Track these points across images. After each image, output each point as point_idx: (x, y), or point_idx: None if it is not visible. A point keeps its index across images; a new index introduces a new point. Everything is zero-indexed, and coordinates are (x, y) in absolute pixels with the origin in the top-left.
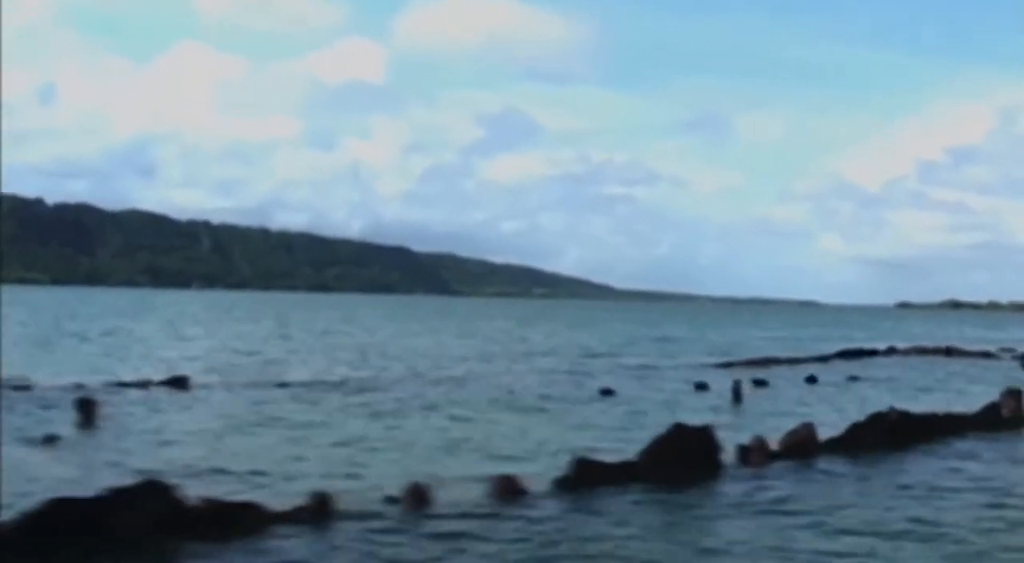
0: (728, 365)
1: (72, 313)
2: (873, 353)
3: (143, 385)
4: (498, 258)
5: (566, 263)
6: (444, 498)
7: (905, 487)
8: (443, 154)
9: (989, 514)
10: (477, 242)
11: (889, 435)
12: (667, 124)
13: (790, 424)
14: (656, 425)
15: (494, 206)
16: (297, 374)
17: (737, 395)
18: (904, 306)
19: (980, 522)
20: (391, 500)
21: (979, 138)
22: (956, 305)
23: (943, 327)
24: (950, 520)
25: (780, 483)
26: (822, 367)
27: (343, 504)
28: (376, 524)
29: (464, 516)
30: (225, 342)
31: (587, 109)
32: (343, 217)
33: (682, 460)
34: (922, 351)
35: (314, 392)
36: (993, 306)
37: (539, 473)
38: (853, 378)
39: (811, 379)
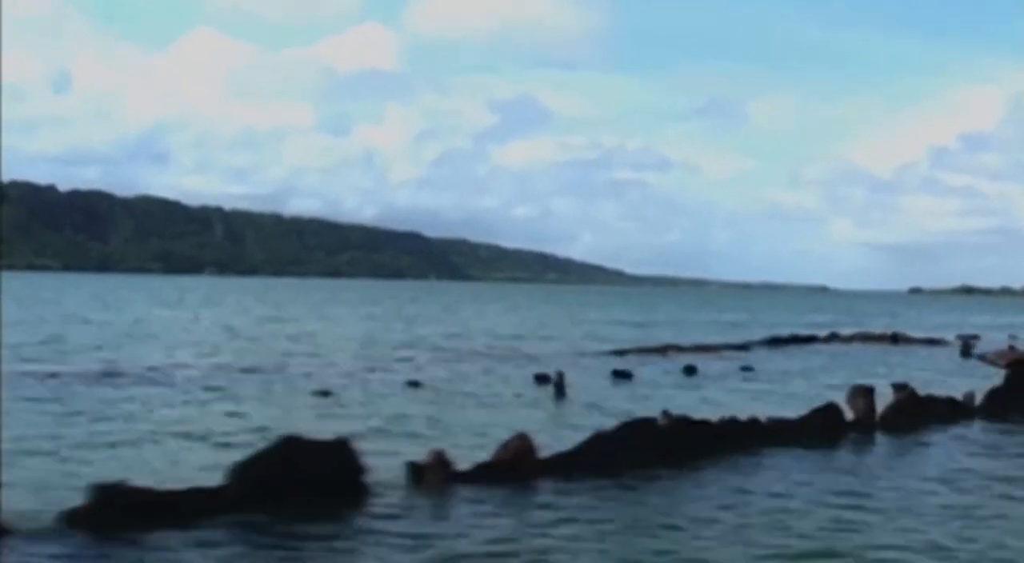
0: (621, 352)
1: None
2: (811, 340)
3: None
4: (510, 243)
5: (578, 248)
6: None
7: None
8: (455, 140)
9: None
10: (489, 227)
11: (658, 449)
12: (678, 109)
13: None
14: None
15: (506, 192)
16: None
17: (560, 390)
18: (916, 292)
19: None
20: None
21: (991, 124)
22: (968, 290)
23: (942, 313)
24: None
25: (412, 519)
26: (736, 355)
27: None
28: None
29: None
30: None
31: (598, 95)
32: (356, 203)
33: (304, 482)
34: (866, 337)
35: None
36: (1006, 291)
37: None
38: (746, 368)
39: (690, 370)
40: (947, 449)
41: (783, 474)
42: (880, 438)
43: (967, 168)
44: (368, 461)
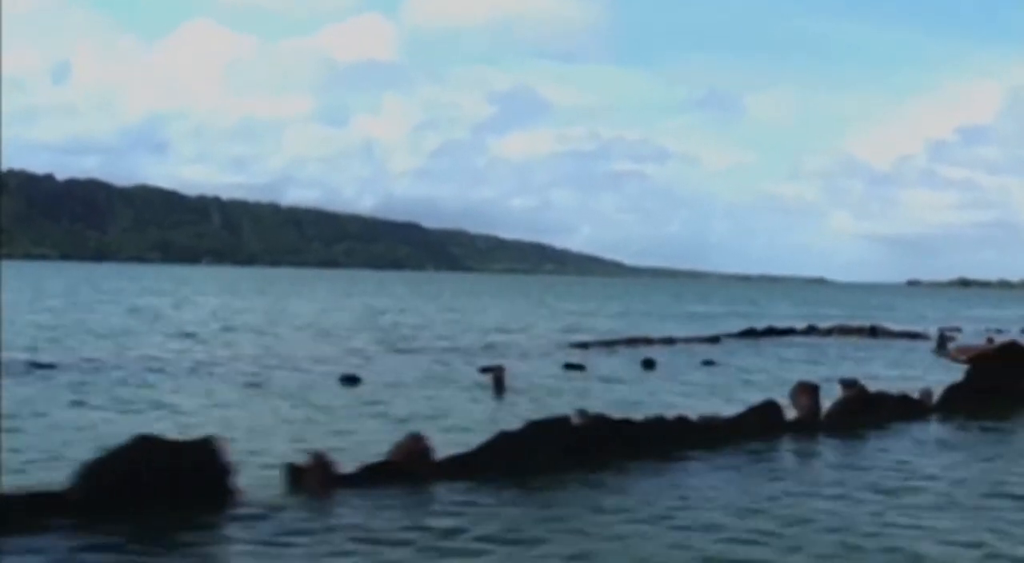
0: (586, 345)
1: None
2: (787, 332)
3: None
4: (508, 234)
5: (577, 240)
6: None
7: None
8: (454, 131)
9: None
10: (488, 218)
11: (571, 450)
12: (677, 101)
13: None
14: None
15: (505, 183)
16: None
17: (499, 384)
18: (914, 284)
19: None
20: None
21: (989, 117)
22: (966, 283)
23: (936, 306)
24: None
25: (273, 525)
26: (705, 348)
27: None
28: None
29: None
30: None
31: (597, 86)
32: (354, 193)
33: (160, 486)
34: (844, 330)
35: None
36: (1003, 284)
37: None
38: (708, 363)
39: (648, 363)
40: (891, 450)
41: (699, 479)
42: (821, 439)
43: (965, 161)
44: (244, 462)
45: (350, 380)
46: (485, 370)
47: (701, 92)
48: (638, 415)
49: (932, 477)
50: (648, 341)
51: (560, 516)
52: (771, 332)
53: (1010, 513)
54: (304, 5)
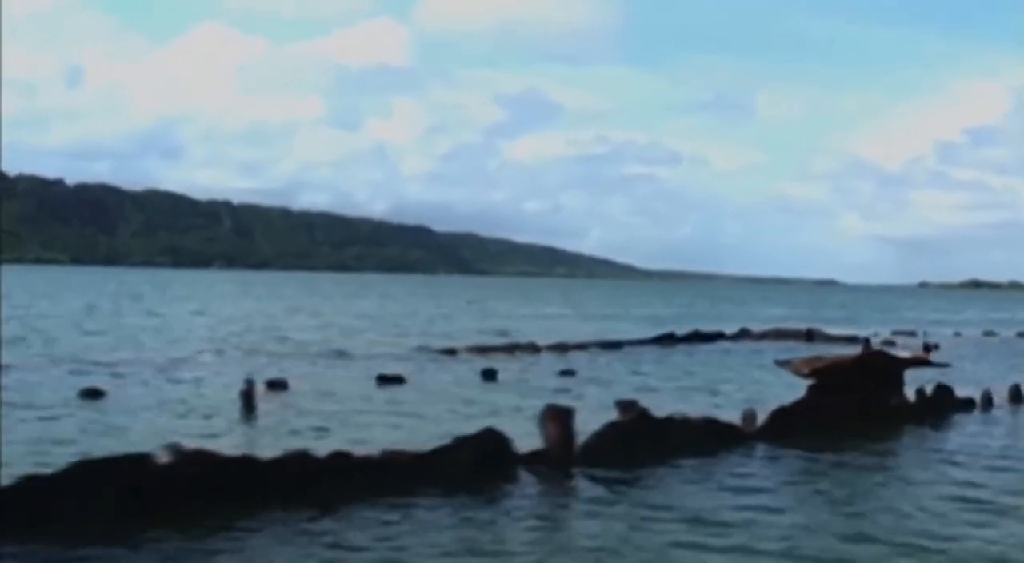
0: (451, 351)
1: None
2: (716, 337)
3: None
4: (520, 238)
5: (589, 243)
6: None
7: None
8: (465, 134)
9: None
10: (499, 221)
11: (148, 497)
12: (686, 103)
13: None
14: None
15: (516, 186)
16: None
17: (248, 401)
18: (924, 286)
19: None
20: None
21: (996, 118)
22: (977, 285)
23: (936, 309)
24: None
25: None
26: (603, 354)
27: None
28: None
29: None
30: None
31: (606, 89)
32: (365, 197)
33: None
34: (780, 334)
35: None
36: (1014, 286)
37: None
38: (567, 373)
39: (488, 374)
40: (673, 497)
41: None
42: (573, 479)
43: (973, 162)
44: None
45: (90, 395)
46: (272, 385)
47: (710, 93)
48: (321, 447)
49: (727, 531)
50: (536, 348)
51: None
52: (694, 337)
53: None
54: (315, 9)
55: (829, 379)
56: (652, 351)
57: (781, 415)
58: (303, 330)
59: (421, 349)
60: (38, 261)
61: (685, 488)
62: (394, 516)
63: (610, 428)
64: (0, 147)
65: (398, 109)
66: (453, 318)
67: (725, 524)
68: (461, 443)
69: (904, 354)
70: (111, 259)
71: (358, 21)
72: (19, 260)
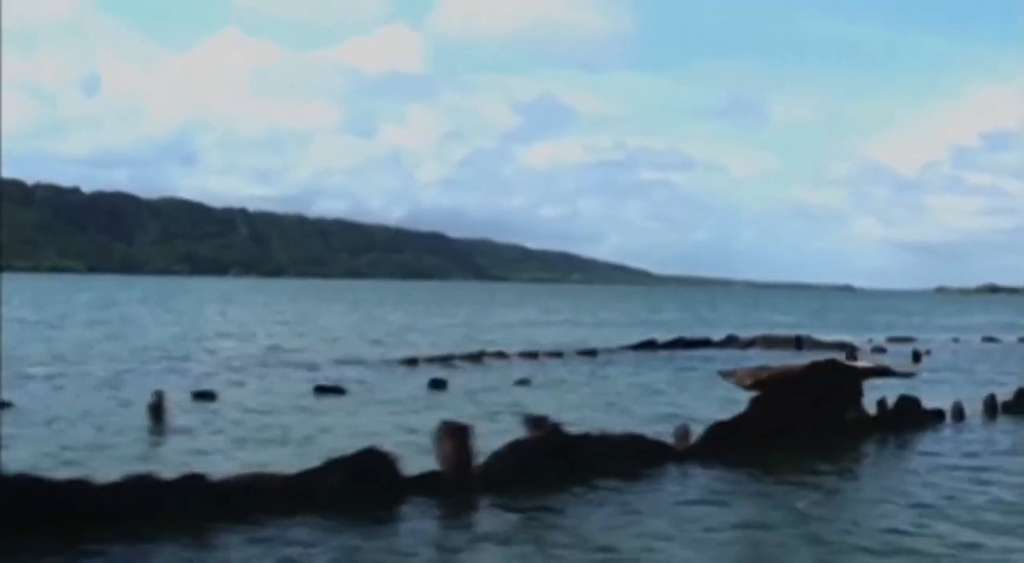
0: (411, 361)
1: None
2: (700, 344)
3: None
4: (535, 244)
5: (604, 249)
6: None
7: None
8: (480, 141)
9: None
10: (514, 228)
11: None
12: (701, 108)
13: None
14: None
15: (531, 192)
16: None
17: (156, 415)
18: (941, 291)
19: None
20: None
21: (1012, 123)
22: (994, 289)
23: (945, 314)
24: None
25: None
26: (575, 362)
27: None
28: None
29: None
30: None
31: (621, 94)
32: (382, 204)
33: None
34: (769, 341)
35: None
36: None
37: None
38: (523, 382)
39: (437, 383)
40: (578, 524)
41: None
42: (475, 505)
43: (990, 167)
44: None
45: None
46: (201, 395)
47: (725, 99)
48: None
49: None
50: (504, 355)
51: None
52: (677, 344)
53: None
54: (330, 16)
55: (775, 391)
56: (629, 358)
57: (719, 431)
58: (272, 336)
59: (383, 359)
60: (54, 269)
61: (600, 515)
62: (253, 549)
63: (513, 447)
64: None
65: (413, 116)
66: (439, 325)
67: (643, 556)
68: (335, 465)
69: (863, 363)
70: (128, 267)
71: (373, 28)
72: (35, 268)
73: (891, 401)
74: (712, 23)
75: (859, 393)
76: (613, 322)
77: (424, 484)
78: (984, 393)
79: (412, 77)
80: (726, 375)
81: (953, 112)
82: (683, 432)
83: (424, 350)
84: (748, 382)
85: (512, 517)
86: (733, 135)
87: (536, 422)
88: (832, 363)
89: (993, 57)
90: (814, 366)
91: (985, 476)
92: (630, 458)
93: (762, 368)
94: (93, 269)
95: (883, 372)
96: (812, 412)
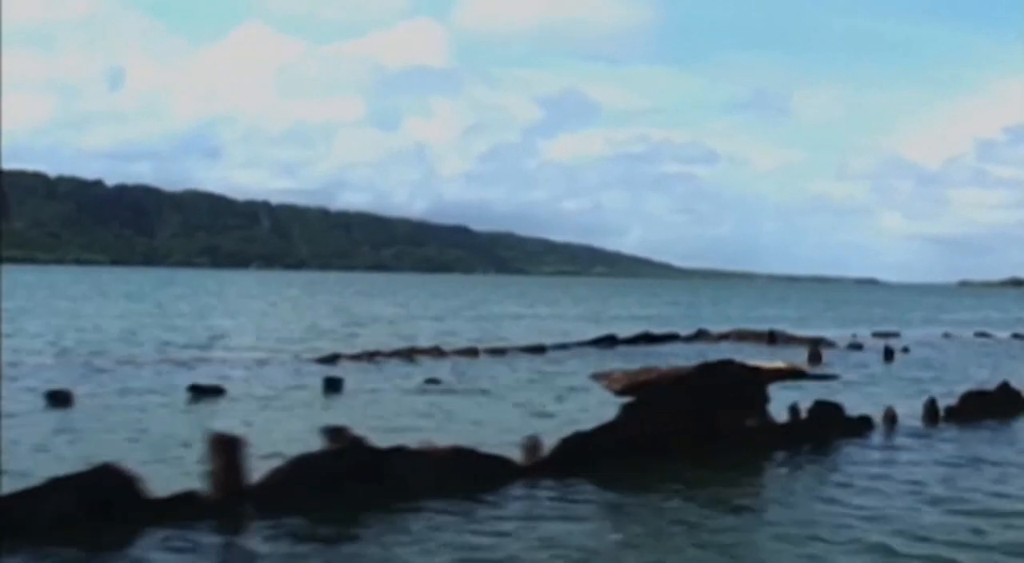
0: (332, 359)
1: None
2: (667, 339)
3: None
4: (559, 237)
5: (627, 242)
6: None
7: None
8: (504, 134)
9: None
10: (538, 221)
11: None
12: (724, 102)
13: None
14: None
15: (554, 185)
16: None
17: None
18: (965, 285)
19: None
20: None
21: None
22: (1018, 283)
23: (963, 308)
24: None
25: None
26: (520, 358)
27: None
28: None
29: None
30: None
31: (644, 87)
32: (405, 197)
33: None
34: (741, 336)
35: None
36: None
37: None
38: (432, 381)
39: (332, 383)
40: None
41: None
42: (244, 531)
43: (1014, 160)
44: None
45: None
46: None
47: (748, 92)
48: None
49: None
50: (438, 353)
51: None
52: (640, 339)
53: None
54: (354, 10)
55: (652, 396)
56: (581, 354)
57: (575, 443)
58: (226, 332)
59: (302, 356)
60: (78, 262)
61: (407, 550)
62: None
63: (299, 463)
64: None
65: (437, 109)
66: (403, 317)
67: None
68: (58, 484)
69: (774, 363)
70: (150, 260)
71: (397, 22)
72: (59, 261)
73: (806, 407)
74: (735, 17)
75: (764, 398)
76: (601, 315)
77: (177, 508)
78: (944, 394)
79: (436, 71)
80: (598, 377)
81: (976, 105)
82: (532, 445)
83: (359, 345)
84: (617, 387)
85: (287, 546)
86: (756, 128)
87: (334, 434)
88: (727, 364)
89: (1016, 51)
90: (705, 367)
91: (876, 501)
92: (458, 476)
93: (642, 370)
94: (116, 262)
95: (795, 374)
96: (698, 420)
